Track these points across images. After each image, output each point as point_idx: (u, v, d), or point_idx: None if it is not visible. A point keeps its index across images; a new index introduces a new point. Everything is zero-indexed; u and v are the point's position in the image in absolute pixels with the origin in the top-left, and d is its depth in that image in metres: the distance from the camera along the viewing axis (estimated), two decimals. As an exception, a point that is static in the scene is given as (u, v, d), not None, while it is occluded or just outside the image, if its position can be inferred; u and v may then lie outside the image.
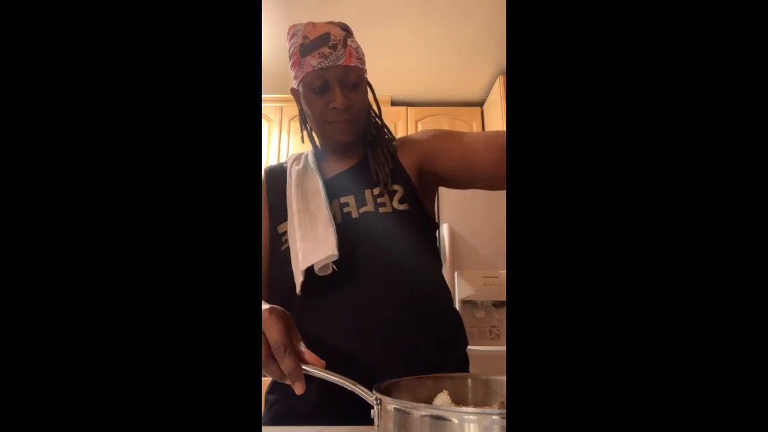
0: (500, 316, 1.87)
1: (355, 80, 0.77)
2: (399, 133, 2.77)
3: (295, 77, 0.79)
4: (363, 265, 0.70)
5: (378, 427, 0.42)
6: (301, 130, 0.89)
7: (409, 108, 2.86)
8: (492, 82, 2.75)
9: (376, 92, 0.87)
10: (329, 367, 0.49)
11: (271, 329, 0.48)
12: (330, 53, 0.74)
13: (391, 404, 0.40)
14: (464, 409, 0.37)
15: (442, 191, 1.95)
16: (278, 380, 0.50)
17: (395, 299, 0.69)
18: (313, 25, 0.77)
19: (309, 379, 0.49)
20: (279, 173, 0.87)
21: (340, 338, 0.66)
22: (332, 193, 0.77)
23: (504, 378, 0.51)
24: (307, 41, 0.75)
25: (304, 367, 0.48)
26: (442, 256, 1.89)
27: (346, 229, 0.71)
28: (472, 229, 1.91)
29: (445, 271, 1.85)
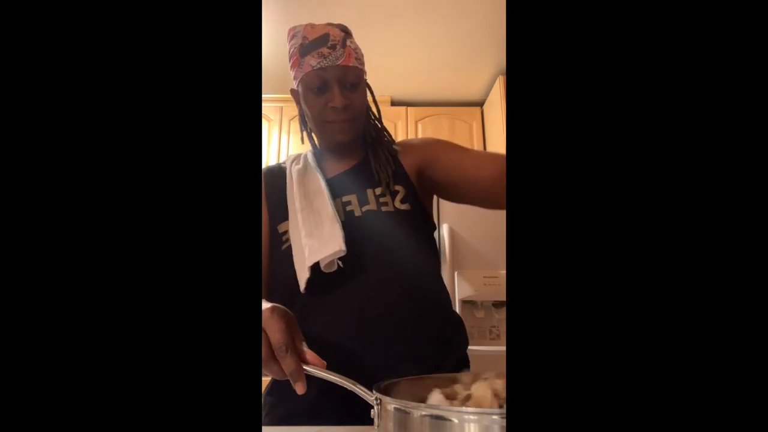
0: (500, 316, 1.87)
1: (353, 80, 0.77)
2: (399, 133, 2.77)
3: (295, 78, 0.80)
4: (367, 263, 0.70)
5: (378, 427, 0.42)
6: (301, 131, 0.89)
7: (409, 108, 2.85)
8: (492, 82, 2.75)
9: (375, 92, 0.88)
10: (330, 366, 0.49)
11: (273, 329, 0.48)
12: (329, 53, 0.75)
13: (391, 404, 0.40)
14: (464, 409, 0.37)
15: (443, 190, 1.95)
16: (279, 380, 0.50)
17: (398, 298, 0.69)
18: (312, 26, 0.78)
19: (308, 379, 0.49)
20: (278, 173, 0.87)
21: (342, 336, 0.66)
22: (334, 192, 0.77)
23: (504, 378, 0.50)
24: (307, 42, 0.76)
25: (305, 367, 0.48)
26: (442, 256, 1.89)
27: (349, 227, 0.71)
28: (472, 229, 1.91)
29: (445, 271, 1.85)
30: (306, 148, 0.92)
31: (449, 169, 0.81)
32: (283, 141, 2.70)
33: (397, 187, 0.79)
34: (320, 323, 0.67)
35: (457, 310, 1.83)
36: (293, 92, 0.84)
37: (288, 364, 0.47)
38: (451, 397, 0.45)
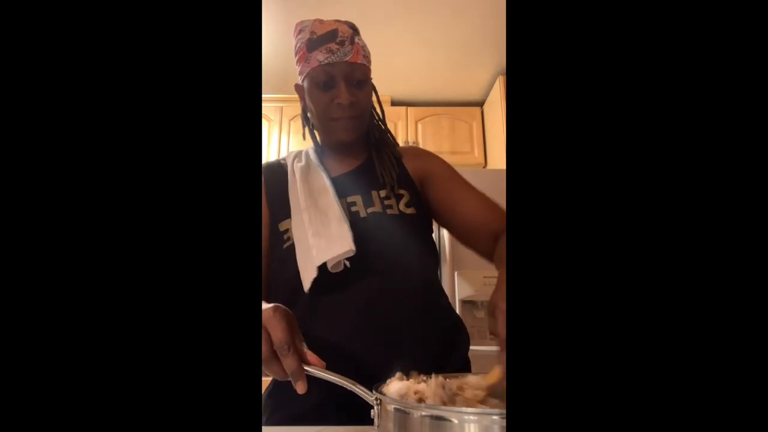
0: (500, 316, 1.86)
1: (360, 77, 0.76)
2: (399, 133, 2.77)
3: (300, 72, 0.79)
4: (372, 265, 0.70)
5: (378, 427, 0.42)
6: (303, 127, 0.88)
7: (409, 108, 2.85)
8: (492, 82, 2.75)
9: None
10: (333, 366, 0.49)
11: (276, 328, 0.48)
12: (337, 49, 0.74)
13: (391, 404, 0.40)
14: (464, 409, 0.37)
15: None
16: (280, 379, 0.50)
17: (401, 301, 0.69)
18: (320, 21, 0.77)
19: (312, 380, 0.48)
20: (277, 170, 0.86)
21: (345, 337, 0.66)
22: (338, 191, 0.76)
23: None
24: (315, 37, 0.75)
25: (305, 367, 0.48)
26: (442, 256, 1.88)
27: (354, 228, 0.70)
28: (472, 229, 1.91)
29: (445, 271, 1.85)
30: (306, 145, 0.91)
31: (437, 191, 0.81)
32: (283, 141, 2.69)
33: (402, 191, 0.78)
34: (324, 323, 0.67)
35: (457, 310, 1.83)
36: (297, 87, 0.83)
37: (289, 363, 0.47)
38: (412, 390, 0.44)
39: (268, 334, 0.48)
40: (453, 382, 0.44)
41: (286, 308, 0.52)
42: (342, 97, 0.75)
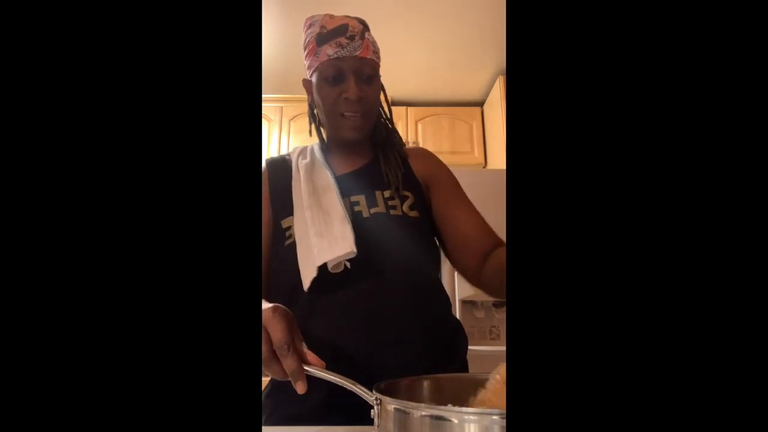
0: (500, 316, 1.87)
1: (370, 72, 0.76)
2: (399, 133, 2.76)
3: (309, 67, 0.78)
4: (373, 266, 0.69)
5: (378, 427, 0.42)
6: (309, 123, 0.87)
7: (409, 108, 2.85)
8: (492, 82, 2.75)
9: (376, 93, 0.86)
10: (333, 366, 0.49)
11: (275, 328, 0.48)
12: (347, 43, 0.73)
13: (391, 404, 0.40)
14: (464, 409, 0.37)
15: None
16: (279, 380, 0.50)
17: (402, 303, 0.68)
18: (331, 16, 0.77)
19: (311, 381, 0.48)
20: (281, 165, 0.85)
21: (345, 338, 0.66)
22: (341, 190, 0.75)
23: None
24: (325, 31, 0.75)
25: (305, 367, 0.48)
26: (441, 256, 1.88)
27: (357, 228, 0.69)
28: (472, 229, 1.91)
29: (445, 271, 1.85)
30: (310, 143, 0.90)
31: (436, 201, 0.81)
32: (283, 141, 2.70)
33: (407, 193, 0.78)
34: (323, 323, 0.67)
35: (457, 310, 1.83)
36: (305, 82, 0.82)
37: (289, 363, 0.47)
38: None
39: (268, 335, 0.48)
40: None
41: (286, 308, 0.52)
42: (351, 92, 0.74)
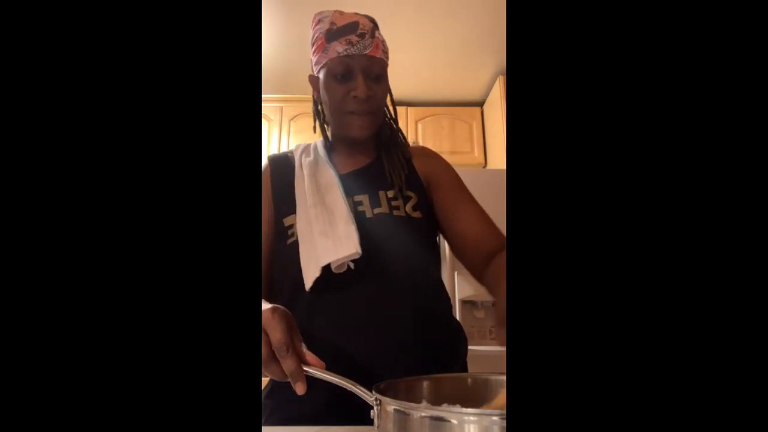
0: (500, 316, 1.86)
1: (379, 71, 0.75)
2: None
3: (317, 63, 0.77)
4: (375, 267, 0.69)
5: (378, 427, 0.42)
6: (314, 120, 0.86)
7: (409, 108, 2.85)
8: (492, 82, 2.75)
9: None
10: (333, 367, 0.49)
11: (275, 329, 0.48)
12: (357, 41, 0.73)
13: (390, 405, 0.40)
14: (464, 409, 0.37)
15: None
16: (279, 380, 0.49)
17: (404, 304, 0.68)
18: (341, 13, 0.76)
19: (311, 382, 0.48)
20: (284, 163, 0.84)
21: (346, 338, 0.66)
22: (345, 189, 0.75)
23: (504, 377, 0.50)
24: (335, 27, 0.74)
25: (304, 367, 0.48)
26: (442, 256, 1.89)
27: (360, 228, 0.69)
28: (472, 229, 1.91)
29: (445, 271, 1.85)
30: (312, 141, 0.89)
31: (439, 200, 0.80)
32: (283, 141, 2.70)
33: (410, 193, 0.77)
34: (324, 323, 0.67)
35: (457, 310, 1.83)
36: (311, 78, 0.81)
37: (288, 364, 0.47)
38: None
39: (267, 336, 0.48)
40: None
41: (285, 309, 0.52)
42: (359, 90, 0.73)
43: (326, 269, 0.65)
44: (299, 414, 0.65)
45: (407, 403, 0.39)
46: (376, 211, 0.74)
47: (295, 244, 0.71)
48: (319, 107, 0.84)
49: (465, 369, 0.76)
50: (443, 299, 0.77)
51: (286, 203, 0.77)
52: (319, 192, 0.74)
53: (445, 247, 1.91)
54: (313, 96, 0.85)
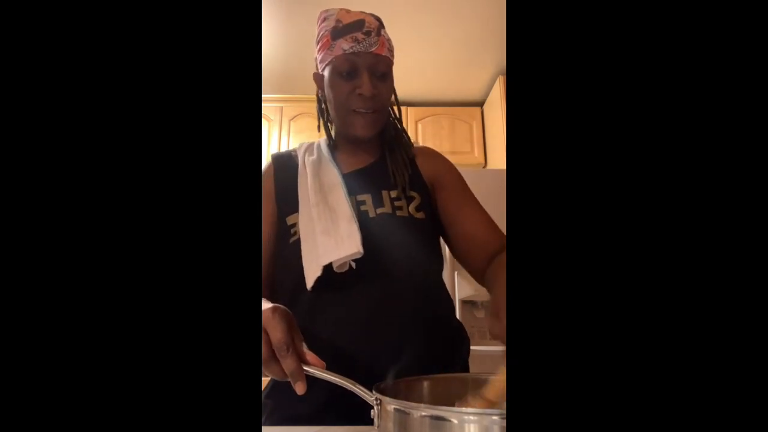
0: (500, 316, 1.86)
1: (384, 70, 0.75)
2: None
3: (322, 61, 0.77)
4: (377, 267, 0.69)
5: (378, 427, 0.42)
6: (318, 119, 0.86)
7: (409, 108, 2.85)
8: (492, 82, 2.75)
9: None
10: (333, 367, 0.49)
11: (275, 328, 0.48)
12: (363, 39, 0.73)
13: (390, 404, 0.40)
14: (464, 409, 0.37)
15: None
16: (279, 380, 0.50)
17: (405, 304, 0.68)
18: (347, 11, 0.76)
19: (312, 382, 0.48)
20: (288, 161, 0.84)
21: (347, 338, 0.66)
22: (348, 189, 0.74)
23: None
24: (341, 25, 0.74)
25: (304, 367, 0.48)
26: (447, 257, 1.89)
27: (363, 228, 0.68)
28: (472, 229, 1.91)
29: (446, 271, 1.84)
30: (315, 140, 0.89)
31: (443, 201, 0.79)
32: (283, 141, 2.70)
33: (413, 193, 0.77)
34: (325, 322, 0.67)
35: (457, 310, 1.83)
36: (316, 76, 0.81)
37: (289, 363, 0.47)
38: None
39: (268, 335, 0.48)
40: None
41: (286, 308, 0.52)
42: (364, 88, 0.73)
43: (328, 268, 0.65)
44: (299, 413, 0.65)
45: (407, 402, 0.39)
46: (379, 210, 0.74)
47: (298, 243, 0.71)
48: (324, 105, 0.84)
49: (466, 369, 0.76)
50: (444, 300, 0.77)
51: (289, 202, 0.76)
52: (321, 191, 0.74)
53: (446, 248, 1.91)
54: (317, 94, 0.85)
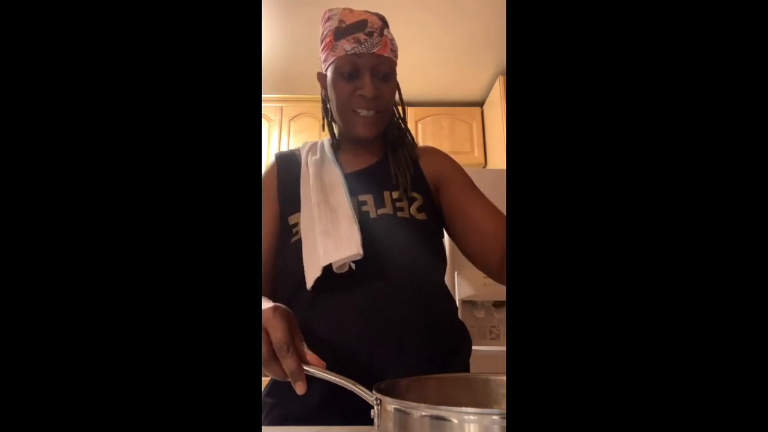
0: (500, 316, 1.86)
1: (386, 71, 0.75)
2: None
3: (325, 61, 0.77)
4: (377, 268, 0.68)
5: (378, 427, 0.42)
6: (322, 119, 0.86)
7: (409, 108, 2.85)
8: (492, 82, 2.75)
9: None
10: (333, 367, 0.49)
11: (276, 328, 0.48)
12: (365, 39, 0.73)
13: (390, 404, 0.40)
14: (464, 409, 0.37)
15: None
16: (279, 380, 0.49)
17: (406, 306, 0.68)
18: (350, 10, 0.76)
19: (312, 381, 0.48)
20: (291, 160, 0.84)
21: (347, 339, 0.66)
22: (350, 189, 0.74)
23: (504, 377, 0.50)
24: (344, 25, 0.74)
25: (305, 367, 0.48)
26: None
27: (363, 228, 0.68)
28: (472, 229, 1.91)
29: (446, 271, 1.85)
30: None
31: (448, 199, 0.78)
32: (283, 141, 2.70)
33: (415, 194, 0.76)
34: (325, 322, 0.67)
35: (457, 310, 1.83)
36: (320, 76, 0.81)
37: (289, 363, 0.47)
38: None
39: (268, 335, 0.48)
40: None
41: (287, 308, 0.52)
42: (366, 89, 0.73)
43: (327, 269, 0.65)
44: (299, 413, 0.65)
45: (408, 402, 0.39)
46: (380, 211, 0.74)
47: (299, 242, 0.71)
48: (327, 105, 0.84)
49: (467, 369, 0.76)
50: (445, 300, 0.77)
51: (292, 201, 0.77)
52: (323, 191, 0.74)
53: (446, 247, 1.90)
54: (321, 94, 0.85)
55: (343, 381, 0.46)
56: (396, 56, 0.78)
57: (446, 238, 0.81)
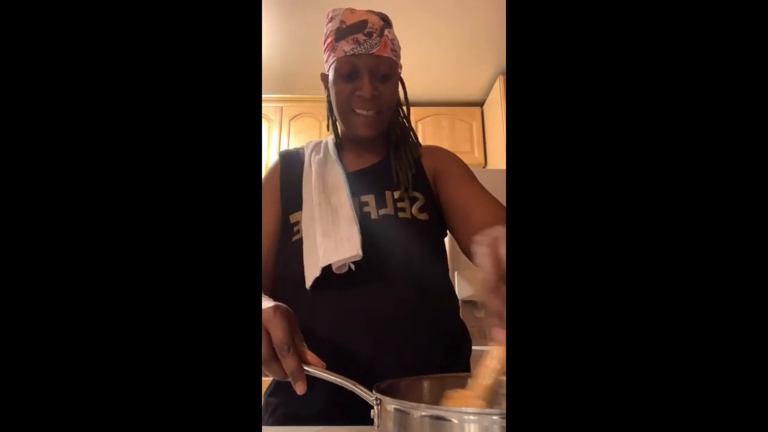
0: (500, 316, 1.86)
1: (386, 71, 0.75)
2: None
3: (327, 61, 0.78)
4: (378, 269, 0.68)
5: (378, 427, 0.42)
6: (327, 118, 0.86)
7: (409, 108, 2.85)
8: (492, 82, 2.75)
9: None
10: (334, 367, 0.49)
11: (276, 328, 0.48)
12: (364, 40, 0.73)
13: (390, 404, 0.40)
14: (464, 409, 0.37)
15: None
16: (279, 380, 0.49)
17: (407, 306, 0.68)
18: (352, 11, 0.76)
19: (317, 382, 0.48)
20: (294, 159, 0.84)
21: (347, 339, 0.66)
22: (352, 189, 0.75)
23: (504, 377, 0.50)
24: (344, 26, 0.74)
25: (305, 367, 0.48)
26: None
27: (364, 229, 0.69)
28: (472, 229, 1.91)
29: (445, 271, 1.85)
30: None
31: (450, 194, 0.77)
32: (283, 141, 2.70)
33: (416, 194, 0.76)
34: (325, 322, 0.67)
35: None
36: (323, 76, 0.82)
37: (289, 363, 0.47)
38: None
39: (268, 335, 0.48)
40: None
41: (287, 308, 0.52)
42: (364, 90, 0.73)
43: (327, 269, 0.65)
44: (300, 413, 0.65)
45: (408, 402, 0.39)
46: (382, 212, 0.74)
47: (300, 241, 0.71)
48: (331, 105, 0.84)
49: (467, 369, 0.76)
50: (446, 300, 0.76)
51: (294, 200, 0.77)
52: (325, 191, 0.74)
53: (446, 247, 1.90)
54: (325, 94, 0.85)
55: (343, 381, 0.46)
56: (397, 56, 0.78)
57: (446, 238, 0.81)
